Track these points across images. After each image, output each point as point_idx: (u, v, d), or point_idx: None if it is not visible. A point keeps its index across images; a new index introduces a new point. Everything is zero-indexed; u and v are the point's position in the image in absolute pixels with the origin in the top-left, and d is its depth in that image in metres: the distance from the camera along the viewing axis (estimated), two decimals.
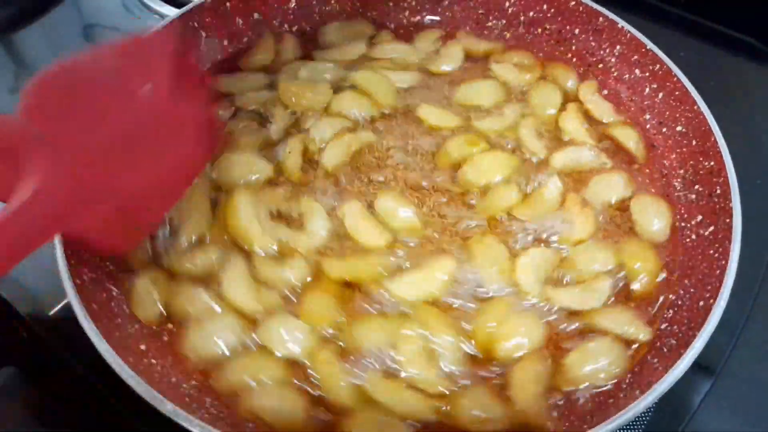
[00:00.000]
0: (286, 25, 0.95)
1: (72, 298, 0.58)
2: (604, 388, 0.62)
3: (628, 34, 0.85)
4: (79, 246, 0.60)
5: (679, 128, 0.80)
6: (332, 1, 0.96)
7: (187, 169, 0.62)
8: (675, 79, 0.80)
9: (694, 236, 0.72)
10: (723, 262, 0.64)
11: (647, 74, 0.85)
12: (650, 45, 0.83)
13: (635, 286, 0.70)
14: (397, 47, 0.94)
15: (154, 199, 0.60)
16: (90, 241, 0.58)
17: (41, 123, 0.51)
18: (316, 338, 0.64)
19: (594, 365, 0.62)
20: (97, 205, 0.54)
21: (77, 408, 0.69)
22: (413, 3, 0.99)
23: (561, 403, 0.61)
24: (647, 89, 0.85)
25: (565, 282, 0.69)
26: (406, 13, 0.99)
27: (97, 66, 0.56)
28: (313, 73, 0.88)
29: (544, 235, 0.73)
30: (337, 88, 0.86)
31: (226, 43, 0.91)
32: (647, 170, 0.81)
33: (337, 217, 0.73)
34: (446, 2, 0.98)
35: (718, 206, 0.70)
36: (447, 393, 0.61)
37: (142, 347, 0.62)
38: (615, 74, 0.89)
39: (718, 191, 0.71)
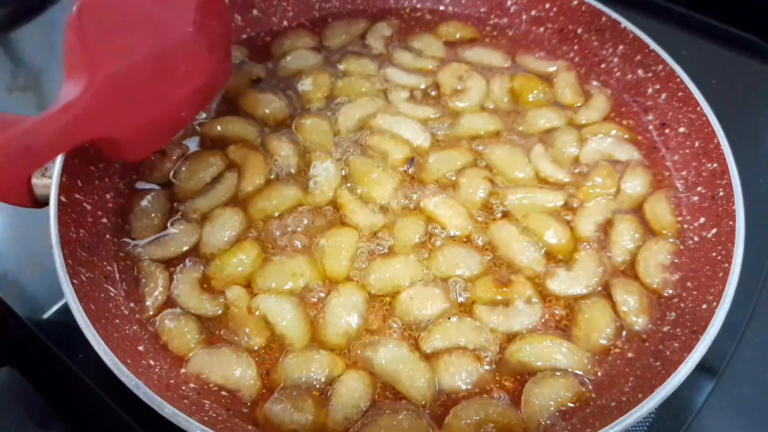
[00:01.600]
0: (285, 22, 0.95)
1: (70, 298, 0.57)
2: None
3: (631, 35, 0.85)
4: (107, 151, 0.63)
5: (681, 130, 0.80)
6: None
7: (206, 90, 0.68)
8: (678, 80, 0.79)
9: (696, 238, 0.72)
10: (726, 265, 0.63)
11: (650, 75, 0.84)
12: (653, 45, 0.82)
13: None
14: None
15: (174, 113, 0.66)
16: (112, 148, 0.62)
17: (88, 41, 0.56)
18: None
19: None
20: (125, 117, 0.60)
21: (74, 409, 0.69)
22: (413, 1, 0.98)
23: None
24: (650, 90, 0.84)
25: None
26: (407, 9, 0.99)
27: None
28: None
29: None
30: None
31: None
32: (651, 172, 0.81)
33: None
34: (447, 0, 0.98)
35: (721, 208, 0.70)
36: None
37: (140, 348, 0.62)
38: (617, 74, 0.89)
39: (721, 193, 0.71)
